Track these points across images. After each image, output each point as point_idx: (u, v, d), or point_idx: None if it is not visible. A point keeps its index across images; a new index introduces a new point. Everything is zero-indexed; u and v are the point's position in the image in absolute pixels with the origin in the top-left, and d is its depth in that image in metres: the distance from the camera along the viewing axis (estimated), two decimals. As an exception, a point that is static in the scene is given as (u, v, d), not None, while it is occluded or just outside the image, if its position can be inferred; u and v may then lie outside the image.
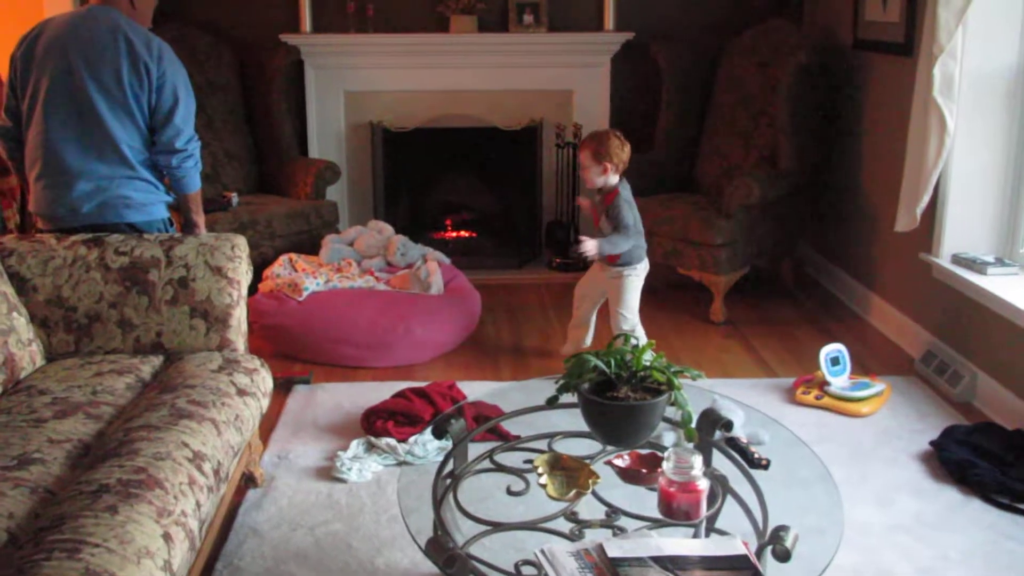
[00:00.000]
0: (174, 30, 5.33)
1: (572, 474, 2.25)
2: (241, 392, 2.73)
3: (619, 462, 2.28)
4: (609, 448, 2.46)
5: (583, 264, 5.64)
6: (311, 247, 5.00)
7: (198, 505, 2.20)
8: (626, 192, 4.01)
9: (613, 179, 4.00)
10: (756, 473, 2.35)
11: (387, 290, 4.55)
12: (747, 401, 3.80)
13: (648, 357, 2.44)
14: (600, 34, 5.62)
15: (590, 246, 3.91)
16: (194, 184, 3.38)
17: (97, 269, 2.95)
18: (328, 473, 3.29)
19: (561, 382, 2.45)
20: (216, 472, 2.38)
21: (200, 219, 3.44)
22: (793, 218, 5.11)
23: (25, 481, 2.15)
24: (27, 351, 2.80)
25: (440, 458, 3.13)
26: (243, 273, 3.03)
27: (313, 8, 5.54)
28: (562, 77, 5.73)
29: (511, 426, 2.99)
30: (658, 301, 5.14)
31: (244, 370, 2.86)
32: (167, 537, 1.99)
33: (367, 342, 4.22)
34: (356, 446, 3.42)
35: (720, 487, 2.29)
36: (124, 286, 2.95)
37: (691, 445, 2.32)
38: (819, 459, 2.46)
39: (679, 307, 5.05)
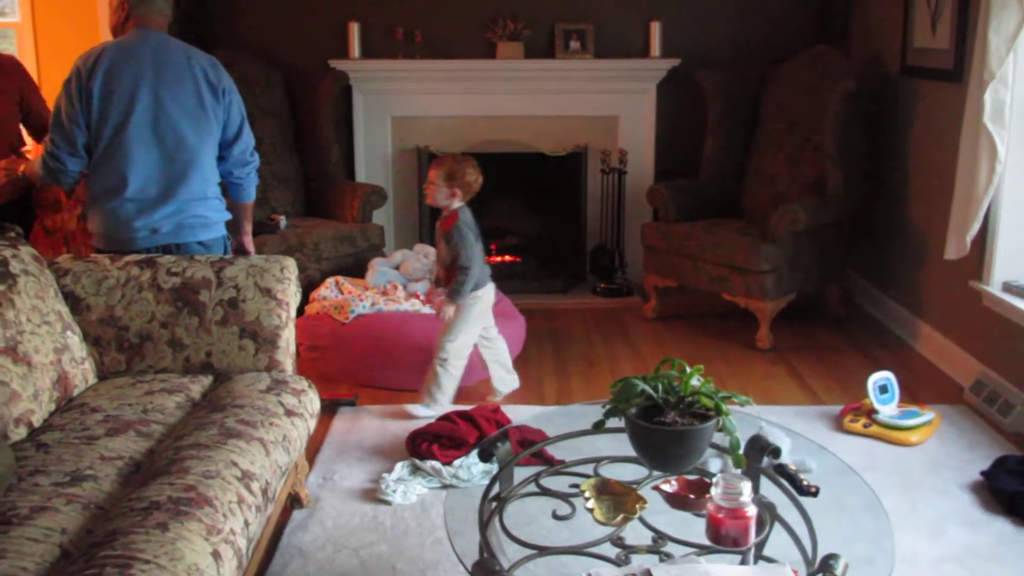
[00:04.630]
0: (226, 56, 5.39)
1: (619, 499, 2.24)
2: (289, 412, 2.76)
3: (666, 487, 2.27)
4: (656, 473, 2.46)
5: (627, 290, 5.66)
6: (357, 270, 5.04)
7: (246, 524, 2.22)
8: (466, 215, 3.99)
9: (456, 204, 3.99)
10: (805, 500, 2.33)
11: (432, 313, 4.57)
12: (794, 428, 3.77)
13: (696, 382, 2.43)
14: (646, 60, 5.64)
15: (448, 312, 3.91)
16: (253, 194, 3.58)
17: (149, 289, 3.00)
18: (373, 495, 3.30)
19: (608, 406, 2.45)
20: (264, 491, 2.40)
21: (250, 227, 3.63)
22: (840, 244, 5.07)
23: (78, 497, 2.19)
24: (80, 369, 2.85)
25: (485, 481, 3.13)
26: (292, 295, 3.07)
27: (362, 34, 5.61)
28: (608, 103, 5.75)
29: (556, 450, 2.98)
30: (704, 328, 5.13)
31: (292, 391, 2.88)
32: (216, 555, 2.01)
33: (412, 365, 4.23)
34: (401, 468, 3.44)
35: (768, 514, 2.27)
36: (175, 306, 2.99)
37: (739, 471, 2.30)
38: (869, 487, 2.43)
39: (725, 334, 5.03)
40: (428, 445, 3.52)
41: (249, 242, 3.60)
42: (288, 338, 3.05)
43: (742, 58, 5.57)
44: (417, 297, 4.71)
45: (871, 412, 3.76)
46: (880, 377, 3.79)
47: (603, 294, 5.70)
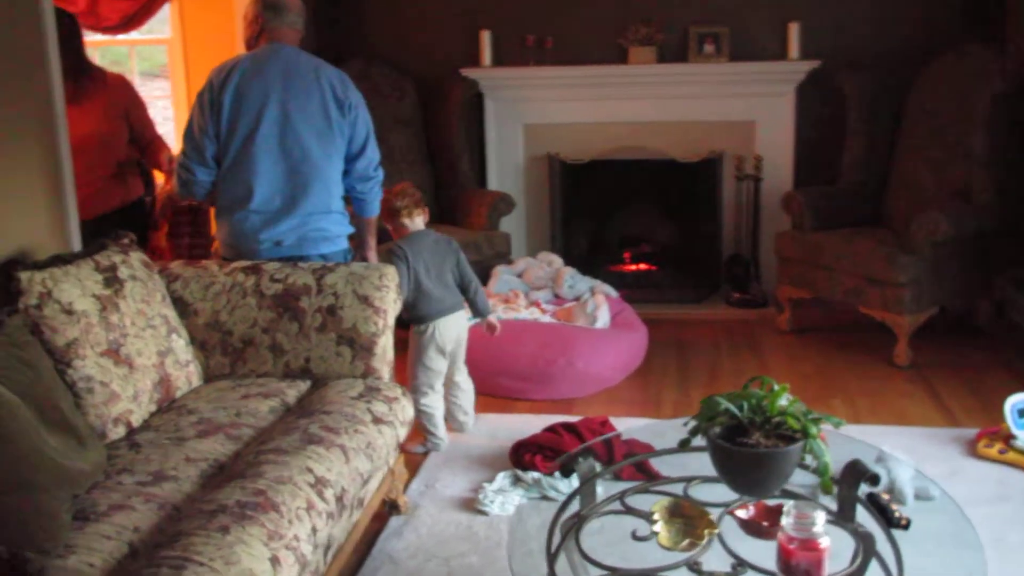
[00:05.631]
0: (360, 67, 5.54)
1: (691, 522, 2.14)
2: (377, 420, 2.76)
3: (742, 513, 2.15)
4: (746, 496, 2.34)
5: (763, 301, 5.46)
6: (483, 278, 5.03)
7: (314, 530, 2.22)
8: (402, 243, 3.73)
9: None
10: (901, 533, 2.17)
11: (551, 322, 4.53)
12: (923, 452, 3.55)
13: (784, 402, 2.30)
14: (784, 63, 5.43)
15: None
16: (377, 208, 3.59)
17: (253, 295, 3.07)
18: (471, 504, 3.28)
19: (692, 424, 2.35)
20: (340, 498, 2.40)
21: (374, 241, 3.62)
22: (990, 256, 4.73)
23: (156, 497, 2.25)
24: (184, 372, 2.94)
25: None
26: (390, 302, 3.08)
27: (493, 42, 5.62)
28: (744, 108, 5.56)
29: (661, 465, 2.89)
30: (839, 342, 4.89)
31: (384, 398, 2.89)
32: (275, 560, 2.02)
33: (527, 374, 4.21)
34: (502, 479, 3.40)
35: (863, 546, 2.12)
36: (277, 312, 3.05)
37: (818, 499, 2.16)
38: (967, 521, 2.24)
39: (861, 349, 4.77)
40: (531, 456, 3.47)
41: (373, 256, 3.60)
42: (385, 345, 3.07)
43: (886, 58, 5.28)
44: (538, 305, 4.68)
45: (1008, 437, 3.49)
46: (1018, 400, 3.51)
47: (737, 305, 5.52)
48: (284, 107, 3.26)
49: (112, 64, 6.17)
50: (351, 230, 3.50)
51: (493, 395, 4.26)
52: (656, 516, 2.14)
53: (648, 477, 3.31)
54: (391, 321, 3.10)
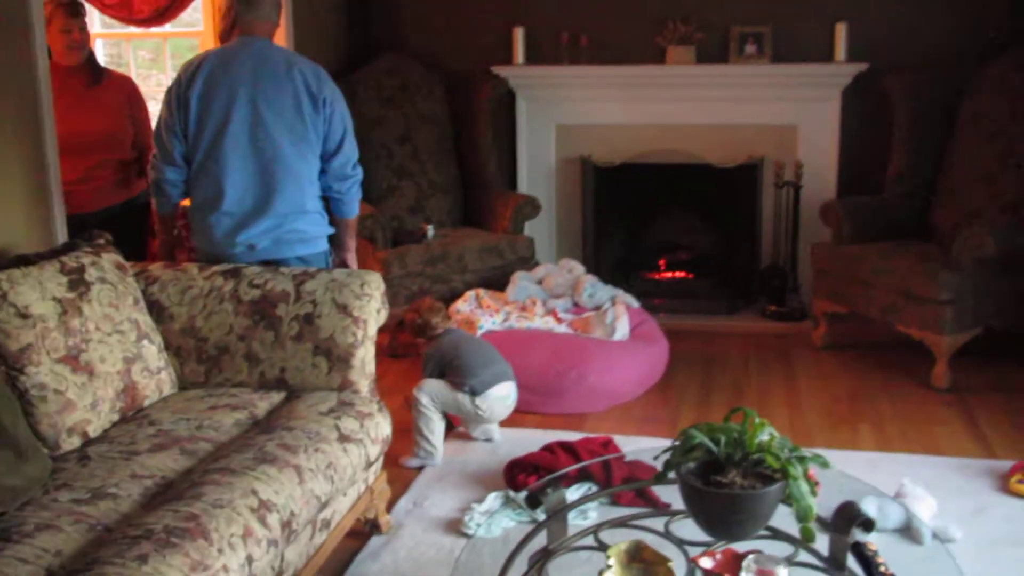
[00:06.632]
0: (388, 61, 5.41)
1: (649, 570, 1.95)
2: (343, 438, 2.61)
3: (706, 562, 1.95)
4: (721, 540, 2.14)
5: (800, 314, 5.20)
6: (504, 282, 4.87)
7: (249, 560, 2.08)
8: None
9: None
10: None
11: (566, 332, 4.34)
12: (951, 485, 3.31)
13: (765, 437, 2.09)
14: (830, 65, 5.15)
15: None
16: (356, 209, 3.42)
17: (230, 301, 2.95)
18: (457, 526, 3.11)
19: (666, 458, 2.16)
20: (287, 523, 2.26)
21: (354, 243, 3.45)
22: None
23: (88, 517, 2.13)
24: (154, 379, 2.82)
25: (578, 520, 2.90)
26: (371, 312, 2.92)
27: (526, 39, 5.44)
28: (786, 112, 5.30)
29: (664, 491, 2.71)
30: (876, 360, 4.62)
31: (356, 414, 2.74)
32: (193, 594, 1.88)
33: (536, 386, 4.03)
34: (493, 499, 3.24)
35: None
36: (253, 319, 2.92)
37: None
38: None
39: (897, 368, 4.49)
40: (525, 476, 3.30)
41: (352, 259, 3.44)
42: (364, 358, 2.92)
43: (939, 62, 4.97)
44: (555, 315, 4.49)
45: (1044, 474, 3.22)
46: (1057, 434, 3.23)
47: (772, 317, 5.27)
48: (254, 103, 3.12)
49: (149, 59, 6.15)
50: (331, 231, 3.35)
51: (500, 407, 4.09)
52: (611, 561, 1.95)
53: (649, 504, 3.13)
54: (372, 332, 2.94)
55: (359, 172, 3.34)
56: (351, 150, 3.28)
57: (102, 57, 5.88)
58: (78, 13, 3.93)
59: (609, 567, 1.94)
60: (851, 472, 3.03)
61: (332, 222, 3.36)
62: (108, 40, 6.03)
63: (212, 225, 3.18)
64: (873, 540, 2.63)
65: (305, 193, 3.21)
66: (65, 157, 3.45)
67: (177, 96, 3.15)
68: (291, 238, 3.21)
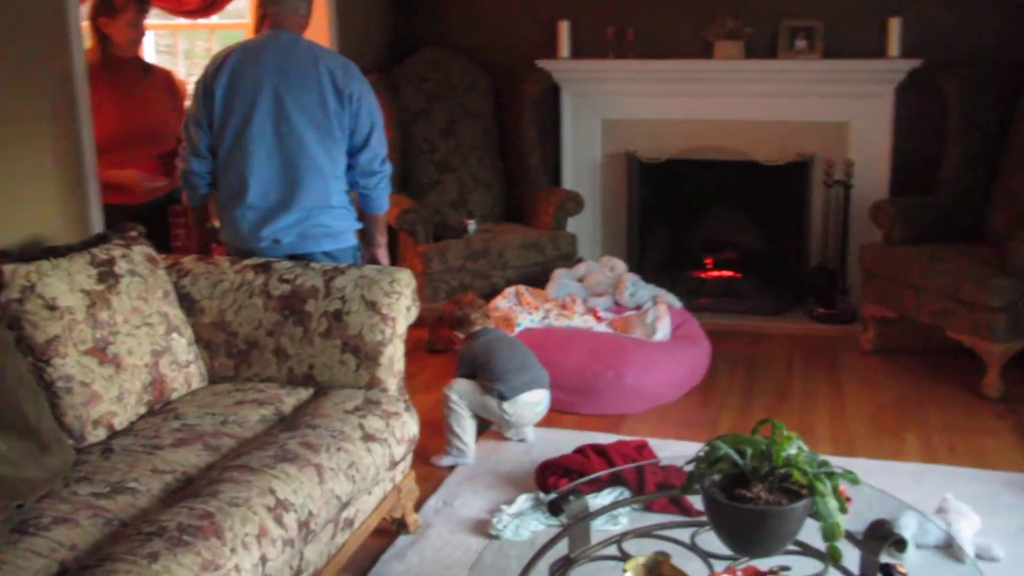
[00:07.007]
0: (432, 54, 5.38)
1: (668, 585, 1.89)
2: (367, 437, 2.58)
3: (726, 578, 1.89)
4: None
5: (850, 317, 5.08)
6: (545, 279, 4.81)
7: (263, 560, 2.06)
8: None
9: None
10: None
11: (605, 332, 4.28)
12: (997, 501, 3.20)
13: (793, 450, 2.02)
14: (883, 61, 5.01)
15: None
16: (385, 204, 3.38)
17: (260, 295, 2.93)
18: (485, 527, 3.07)
19: (690, 470, 2.10)
20: (305, 523, 2.23)
21: (384, 239, 3.42)
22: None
23: (105, 511, 2.12)
24: (183, 373, 2.81)
25: (608, 525, 2.85)
26: (401, 310, 2.89)
27: (572, 32, 5.37)
28: (837, 108, 5.17)
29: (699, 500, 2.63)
30: (926, 367, 4.49)
31: (382, 413, 2.71)
32: (203, 595, 1.86)
33: (573, 386, 3.97)
34: (523, 501, 3.19)
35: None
36: (282, 314, 2.90)
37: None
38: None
39: (947, 376, 4.36)
40: (556, 478, 3.24)
41: (383, 255, 3.41)
42: (392, 355, 2.88)
43: (995, 59, 4.81)
44: (595, 313, 4.43)
45: (1095, 491, 3.09)
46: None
47: (820, 320, 5.15)
48: (278, 96, 3.09)
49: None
50: (359, 225, 3.31)
51: (536, 407, 4.04)
52: (628, 574, 1.89)
53: (683, 511, 3.06)
54: (401, 329, 2.91)
55: (387, 168, 3.29)
56: (379, 146, 3.24)
57: (153, 48, 5.93)
58: (146, 8, 3.96)
59: (625, 580, 1.88)
60: (894, 484, 2.95)
61: (361, 217, 3.33)
62: (162, 32, 6.06)
63: (237, 219, 3.16)
64: (911, 558, 2.56)
65: (330, 188, 3.17)
66: (119, 148, 3.47)
67: (204, 88, 3.14)
68: (317, 233, 3.18)
